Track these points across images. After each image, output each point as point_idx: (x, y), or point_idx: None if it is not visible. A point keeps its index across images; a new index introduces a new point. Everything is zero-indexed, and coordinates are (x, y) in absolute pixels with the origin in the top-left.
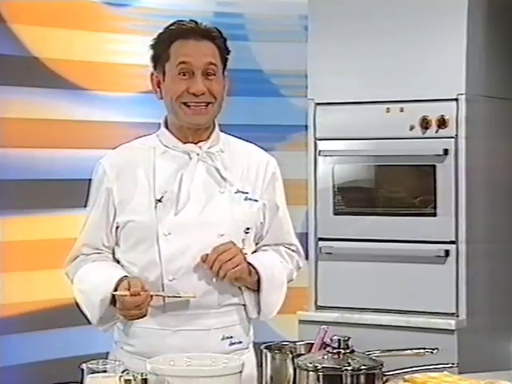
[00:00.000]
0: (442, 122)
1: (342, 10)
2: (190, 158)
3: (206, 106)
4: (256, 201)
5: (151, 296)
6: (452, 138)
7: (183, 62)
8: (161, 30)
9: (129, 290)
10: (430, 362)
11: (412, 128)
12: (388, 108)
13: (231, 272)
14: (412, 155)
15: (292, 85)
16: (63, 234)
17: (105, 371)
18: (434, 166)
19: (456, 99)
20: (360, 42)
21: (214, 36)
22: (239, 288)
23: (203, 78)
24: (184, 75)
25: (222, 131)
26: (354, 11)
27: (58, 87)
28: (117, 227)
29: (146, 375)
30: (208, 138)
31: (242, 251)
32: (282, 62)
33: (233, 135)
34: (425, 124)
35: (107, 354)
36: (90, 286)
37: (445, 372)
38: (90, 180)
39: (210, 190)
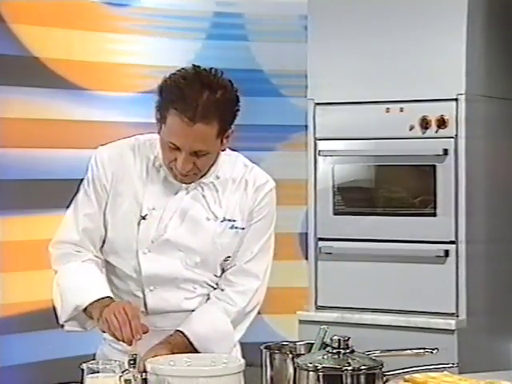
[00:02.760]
0: (442, 122)
1: (341, 9)
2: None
3: (192, 175)
4: (242, 229)
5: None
6: (452, 138)
7: (172, 143)
8: (167, 76)
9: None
10: (430, 361)
11: (412, 128)
12: (388, 108)
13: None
14: (412, 155)
15: (292, 85)
16: None
17: (105, 371)
18: (434, 166)
19: (456, 99)
20: (360, 41)
21: (216, 115)
22: None
23: (191, 156)
24: (174, 147)
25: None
26: (354, 11)
27: (57, 87)
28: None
29: (146, 375)
30: (206, 173)
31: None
32: (282, 61)
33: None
34: (424, 124)
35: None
36: (71, 285)
37: (445, 372)
38: None
39: (196, 216)
